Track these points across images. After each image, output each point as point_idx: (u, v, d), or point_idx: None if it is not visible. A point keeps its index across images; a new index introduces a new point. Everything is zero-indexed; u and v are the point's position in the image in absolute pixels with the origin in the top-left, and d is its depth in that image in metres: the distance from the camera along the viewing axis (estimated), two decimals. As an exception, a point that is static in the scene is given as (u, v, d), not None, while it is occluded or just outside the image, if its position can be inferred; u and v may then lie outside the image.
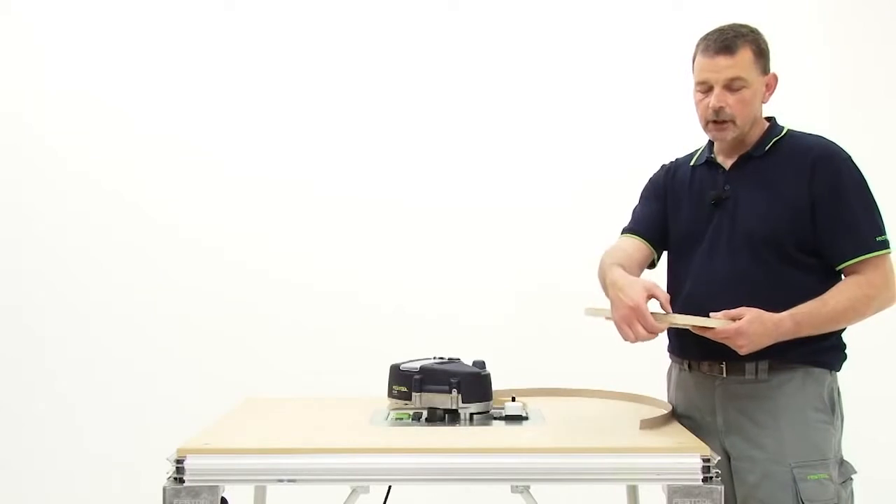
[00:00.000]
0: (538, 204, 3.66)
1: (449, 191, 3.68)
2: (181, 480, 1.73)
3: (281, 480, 1.76)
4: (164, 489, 1.73)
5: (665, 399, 2.24)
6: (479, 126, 3.69)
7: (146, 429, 3.54)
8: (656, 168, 2.31)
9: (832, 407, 1.98)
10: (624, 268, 2.04)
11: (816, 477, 1.90)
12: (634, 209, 2.30)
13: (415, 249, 3.67)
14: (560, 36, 3.69)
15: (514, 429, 1.96)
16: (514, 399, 2.16)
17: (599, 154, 3.66)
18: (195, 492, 1.73)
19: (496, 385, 2.17)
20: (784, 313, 1.89)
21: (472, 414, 2.07)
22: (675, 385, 2.17)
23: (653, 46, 3.64)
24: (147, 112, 3.71)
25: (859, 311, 1.94)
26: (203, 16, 3.71)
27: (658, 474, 1.73)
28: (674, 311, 1.95)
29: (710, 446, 1.92)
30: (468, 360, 2.18)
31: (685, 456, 1.74)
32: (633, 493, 2.34)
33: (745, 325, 1.85)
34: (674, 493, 1.71)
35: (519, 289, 3.65)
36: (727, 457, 2.00)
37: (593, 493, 2.28)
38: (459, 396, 2.06)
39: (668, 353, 2.21)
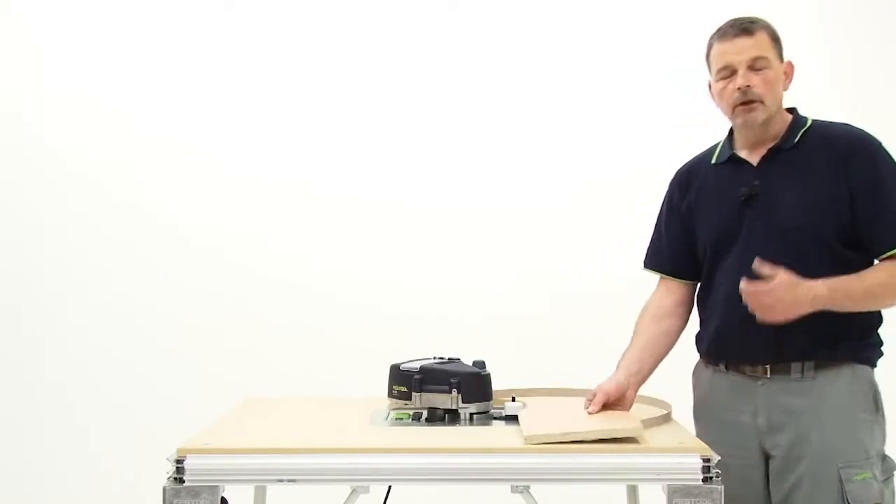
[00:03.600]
0: (538, 204, 3.66)
1: (449, 191, 3.68)
2: (181, 480, 1.73)
3: (281, 480, 1.76)
4: (164, 489, 1.73)
5: (691, 399, 2.18)
6: (479, 126, 3.69)
7: (146, 429, 3.54)
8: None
9: (875, 403, 1.96)
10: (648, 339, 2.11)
11: (862, 477, 1.88)
12: (655, 232, 2.26)
13: (415, 249, 3.67)
14: (560, 35, 3.69)
15: (514, 429, 1.96)
16: (514, 399, 2.16)
17: (599, 154, 3.66)
18: (195, 492, 1.73)
19: (496, 385, 2.17)
20: (818, 280, 1.86)
21: (472, 414, 2.07)
22: (708, 386, 2.11)
23: (653, 46, 3.65)
24: (147, 112, 3.71)
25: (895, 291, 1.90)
26: (203, 16, 3.71)
27: (658, 474, 1.72)
28: (713, 313, 2.02)
29: (745, 447, 1.94)
30: (468, 360, 2.18)
31: (685, 456, 1.74)
32: (633, 493, 2.34)
33: (772, 287, 1.82)
34: (674, 493, 1.71)
35: (519, 289, 3.65)
36: (765, 458, 1.98)
37: (593, 493, 2.28)
38: (459, 396, 2.06)
39: (699, 355, 2.15)
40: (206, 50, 3.72)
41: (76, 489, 3.59)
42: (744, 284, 1.87)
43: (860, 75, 3.61)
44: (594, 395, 1.98)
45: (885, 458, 1.95)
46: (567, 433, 1.76)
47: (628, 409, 2.02)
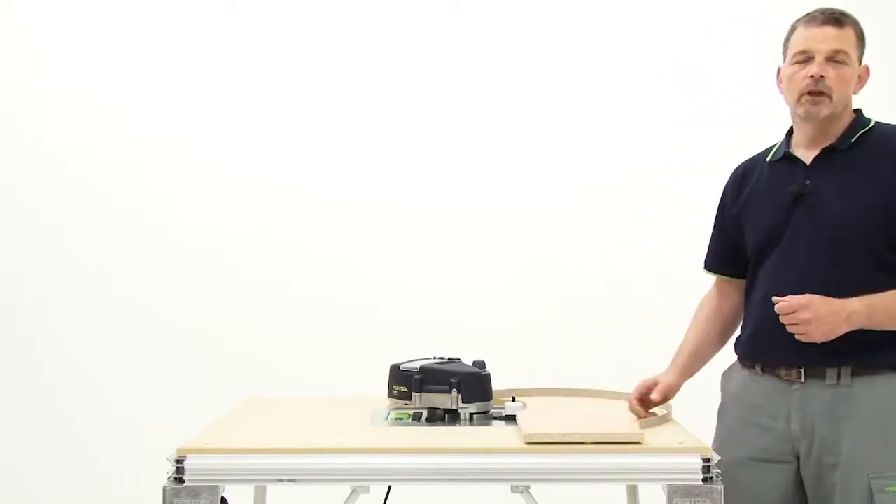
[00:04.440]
0: (539, 204, 3.66)
1: (449, 191, 3.68)
2: (181, 480, 1.73)
3: (281, 480, 1.76)
4: (164, 489, 1.73)
5: (722, 398, 2.15)
6: (480, 126, 3.69)
7: (146, 429, 3.54)
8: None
9: None
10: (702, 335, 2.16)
11: (894, 489, 1.81)
12: (713, 231, 2.22)
13: (415, 249, 3.67)
14: (561, 35, 3.69)
15: (513, 429, 1.96)
16: (514, 399, 2.16)
17: (600, 154, 3.65)
18: (195, 492, 1.73)
19: (496, 385, 2.17)
20: (854, 298, 1.83)
21: (472, 414, 2.07)
22: (741, 388, 2.05)
23: (653, 46, 3.64)
24: (147, 112, 3.71)
25: None
26: (203, 16, 3.71)
27: (658, 474, 1.72)
28: (752, 313, 2.02)
29: (778, 451, 1.93)
30: (468, 360, 2.18)
31: (685, 456, 1.74)
32: (633, 493, 2.34)
33: (807, 298, 1.80)
34: (674, 493, 1.71)
35: (519, 289, 3.65)
36: (797, 463, 1.93)
37: (593, 493, 2.28)
38: (459, 396, 2.06)
39: (735, 356, 2.12)
40: (207, 50, 3.71)
41: (76, 489, 3.59)
42: (776, 299, 1.85)
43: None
44: (647, 389, 2.09)
45: None
46: (567, 433, 1.76)
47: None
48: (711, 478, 1.71)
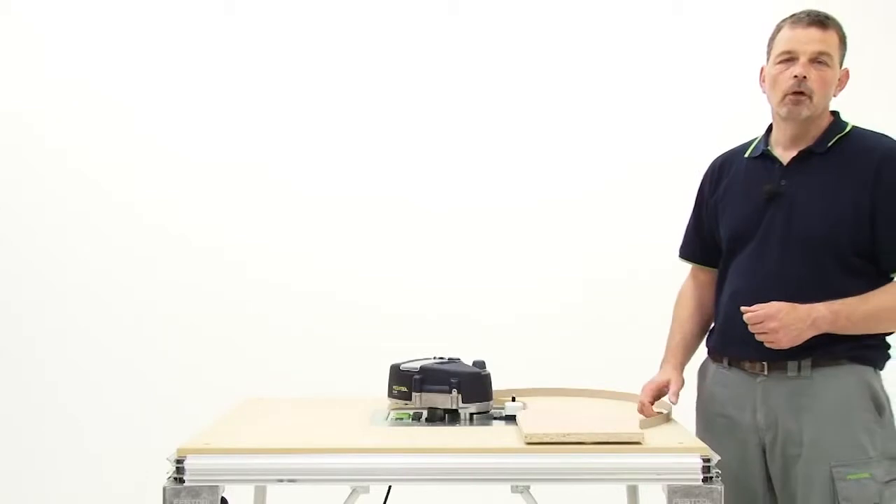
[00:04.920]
0: (539, 204, 3.66)
1: (449, 191, 3.68)
2: (181, 480, 1.73)
3: (281, 480, 1.76)
4: (164, 489, 1.73)
5: (695, 395, 2.19)
6: (480, 126, 3.69)
7: (146, 429, 3.54)
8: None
9: (878, 404, 1.93)
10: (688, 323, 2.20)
11: (856, 476, 1.87)
12: (690, 219, 2.27)
13: (415, 249, 3.67)
14: (561, 35, 3.69)
15: (513, 429, 1.96)
16: (514, 399, 2.16)
17: (601, 155, 3.65)
18: (195, 492, 1.73)
19: (496, 385, 2.17)
20: (820, 303, 1.87)
21: (472, 414, 2.07)
22: (712, 382, 2.12)
23: (652, 46, 3.64)
24: (147, 112, 3.71)
25: None
26: (204, 17, 3.71)
27: (658, 474, 1.72)
28: (721, 309, 2.05)
29: (747, 444, 1.95)
30: (468, 360, 2.18)
31: (685, 456, 1.74)
32: (633, 493, 2.34)
33: (775, 307, 1.85)
34: (674, 493, 1.71)
35: (519, 289, 3.65)
36: (764, 455, 1.98)
37: (593, 493, 2.28)
38: (459, 396, 2.06)
39: (707, 352, 2.18)
40: (208, 50, 3.71)
41: (76, 489, 3.59)
42: (745, 309, 1.90)
43: (859, 76, 3.61)
44: (660, 391, 2.08)
45: (894, 458, 1.91)
46: (567, 433, 1.77)
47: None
48: (711, 478, 1.71)
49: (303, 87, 3.70)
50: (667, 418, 2.08)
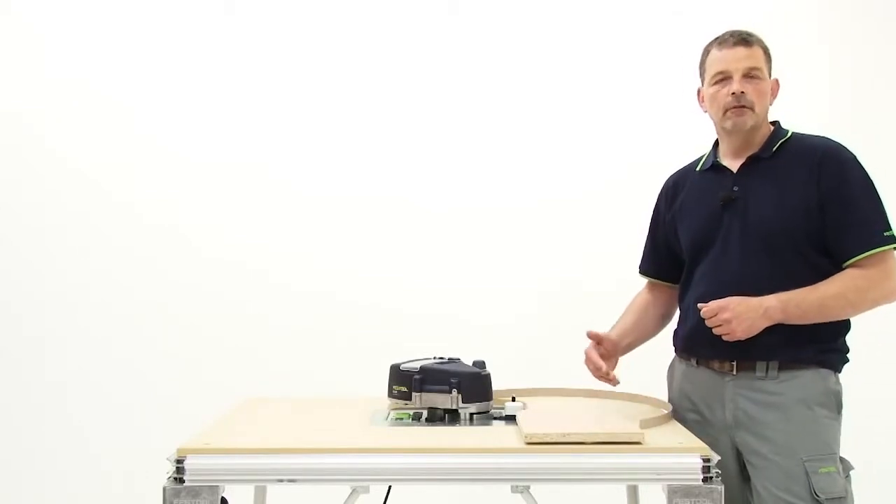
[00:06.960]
0: (540, 204, 3.66)
1: (449, 191, 3.68)
2: (181, 480, 1.73)
3: (281, 480, 1.76)
4: (164, 489, 1.73)
5: (666, 396, 2.26)
6: (480, 126, 3.69)
7: (146, 429, 3.54)
8: (659, 170, 2.34)
9: (837, 404, 2.02)
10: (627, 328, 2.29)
11: (826, 470, 1.94)
12: (647, 237, 2.39)
13: (415, 249, 3.67)
14: (561, 36, 3.69)
15: (513, 429, 1.96)
16: (514, 399, 2.16)
17: (601, 156, 3.66)
18: (195, 492, 1.73)
19: (496, 385, 2.17)
20: (770, 295, 1.96)
21: (472, 414, 2.08)
22: (681, 380, 2.19)
23: (653, 47, 3.64)
24: (147, 112, 3.71)
25: (851, 300, 1.97)
26: (205, 17, 3.71)
27: (658, 474, 1.73)
28: (688, 312, 2.13)
29: (718, 441, 1.97)
30: (468, 360, 2.18)
31: (685, 456, 1.74)
32: (633, 493, 2.34)
33: (727, 300, 1.95)
34: (674, 493, 1.71)
35: (519, 289, 3.65)
36: (737, 451, 2.04)
37: (593, 493, 2.28)
38: (459, 396, 2.06)
39: (674, 350, 2.25)
40: (208, 51, 3.71)
41: (76, 489, 3.59)
42: (701, 305, 1.99)
43: (858, 76, 3.61)
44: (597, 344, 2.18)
45: (842, 459, 2.01)
46: (567, 433, 1.77)
47: (613, 368, 2.19)
48: (711, 478, 1.71)
49: (303, 87, 3.71)
50: (667, 418, 2.08)
